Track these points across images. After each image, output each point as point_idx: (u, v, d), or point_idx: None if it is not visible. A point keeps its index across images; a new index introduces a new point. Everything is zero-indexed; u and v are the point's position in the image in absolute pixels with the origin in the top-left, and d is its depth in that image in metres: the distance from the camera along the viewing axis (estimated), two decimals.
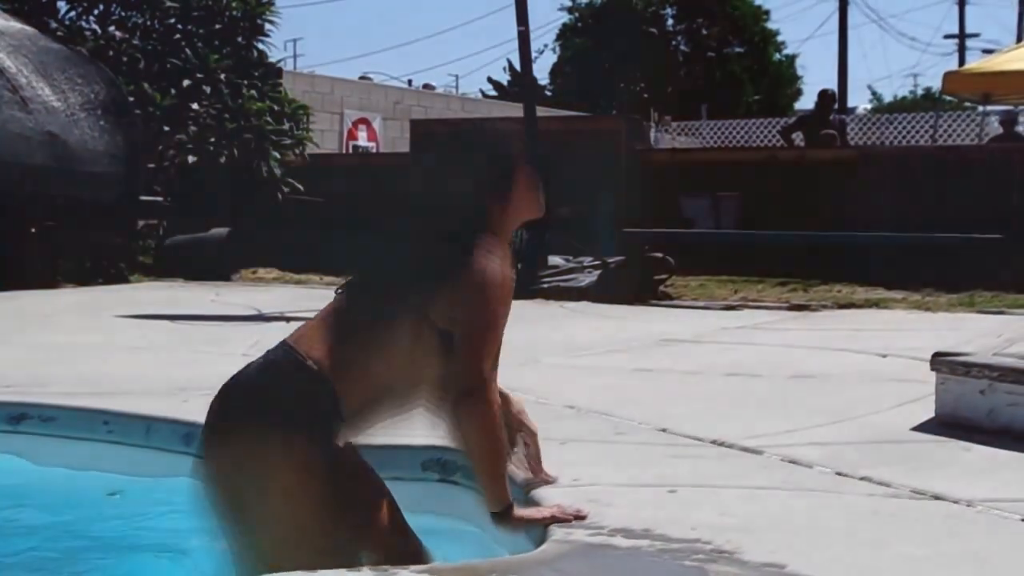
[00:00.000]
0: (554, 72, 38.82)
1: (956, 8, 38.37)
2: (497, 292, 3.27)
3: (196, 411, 5.31)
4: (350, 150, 21.97)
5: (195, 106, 15.57)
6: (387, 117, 24.62)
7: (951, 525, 3.56)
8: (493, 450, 3.26)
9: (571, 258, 12.80)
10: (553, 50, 39.73)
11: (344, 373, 3.22)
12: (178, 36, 15.79)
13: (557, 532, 3.36)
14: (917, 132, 22.18)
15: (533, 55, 14.30)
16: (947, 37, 38.93)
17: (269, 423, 3.17)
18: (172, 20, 15.85)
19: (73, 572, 4.33)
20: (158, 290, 12.51)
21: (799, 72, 41.22)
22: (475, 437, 3.23)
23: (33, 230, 12.71)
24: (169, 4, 15.78)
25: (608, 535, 3.36)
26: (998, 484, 4.01)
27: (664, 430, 4.94)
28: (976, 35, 38.75)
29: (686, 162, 15.95)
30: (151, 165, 15.08)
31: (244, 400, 3.27)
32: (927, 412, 5.05)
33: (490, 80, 42.09)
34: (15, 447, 5.33)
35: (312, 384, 3.19)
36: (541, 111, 15.94)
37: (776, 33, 40.22)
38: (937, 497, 3.83)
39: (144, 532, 4.64)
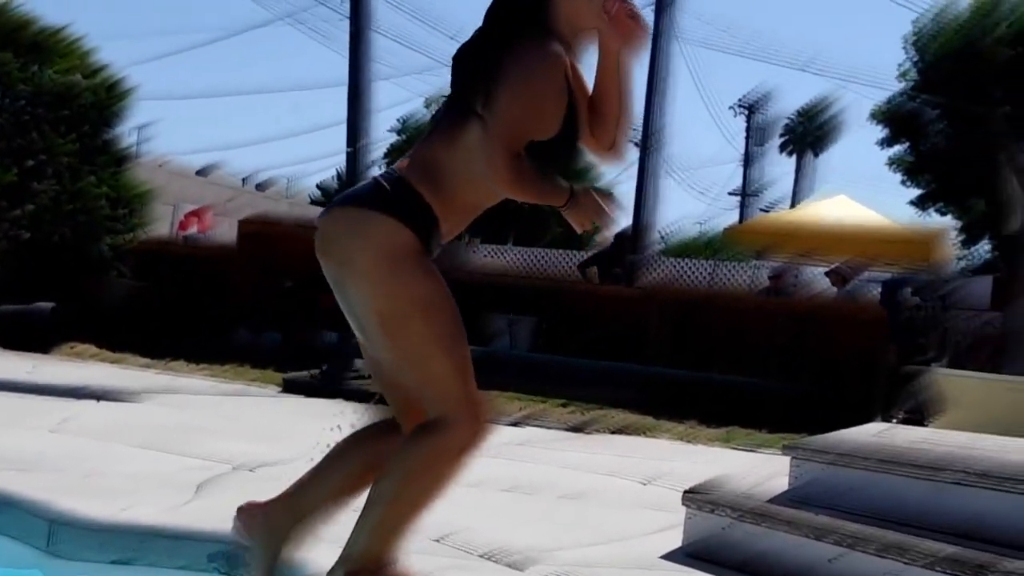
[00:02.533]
0: None
1: (741, 169, 39.73)
2: (544, 72, 3.07)
3: None
4: (180, 239, 21.63)
5: (36, 185, 15.18)
6: (219, 212, 24.35)
7: None
8: (531, 192, 3.20)
9: None
10: (380, 167, 39.94)
11: (432, 185, 3.17)
12: (27, 118, 15.40)
13: None
14: (699, 276, 22.79)
15: (363, 168, 14.44)
16: (731, 193, 40.14)
17: (368, 207, 3.16)
18: (23, 102, 15.47)
19: None
20: None
21: None
22: (511, 192, 3.18)
23: None
24: (21, 87, 15.42)
25: None
26: None
27: (440, 540, 4.94)
28: (757, 194, 39.99)
29: (490, 283, 16.09)
30: None
31: (346, 196, 3.28)
32: (677, 541, 5.15)
33: (319, 187, 42.04)
34: None
35: (406, 191, 3.17)
36: None
37: (587, 171, 40.80)
38: None
39: None
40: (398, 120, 40.79)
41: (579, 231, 3.35)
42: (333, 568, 3.31)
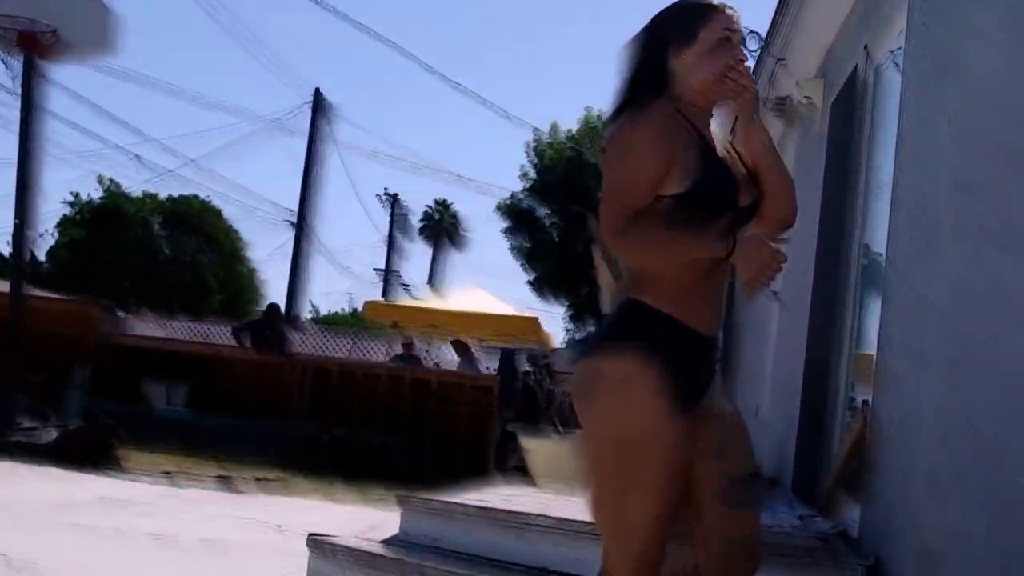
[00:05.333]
0: (52, 253, 37.17)
1: (385, 250, 40.36)
2: (625, 149, 2.69)
3: None
4: None
5: None
6: None
7: None
8: (665, 253, 2.69)
9: (38, 421, 12.14)
10: (52, 235, 38.05)
11: (643, 285, 2.73)
12: None
13: None
14: (342, 345, 22.88)
15: (28, 240, 13.98)
16: (376, 270, 40.63)
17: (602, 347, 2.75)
18: None
19: None
20: None
21: (260, 283, 41.28)
22: (642, 262, 2.74)
23: None
24: None
25: None
26: None
27: None
28: (397, 272, 40.57)
29: (150, 349, 15.65)
30: None
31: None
32: None
33: None
34: None
35: (631, 308, 2.74)
36: (34, 289, 15.12)
37: (242, 249, 40.03)
38: None
39: None
40: (71, 193, 39.09)
41: (748, 290, 2.71)
42: None
